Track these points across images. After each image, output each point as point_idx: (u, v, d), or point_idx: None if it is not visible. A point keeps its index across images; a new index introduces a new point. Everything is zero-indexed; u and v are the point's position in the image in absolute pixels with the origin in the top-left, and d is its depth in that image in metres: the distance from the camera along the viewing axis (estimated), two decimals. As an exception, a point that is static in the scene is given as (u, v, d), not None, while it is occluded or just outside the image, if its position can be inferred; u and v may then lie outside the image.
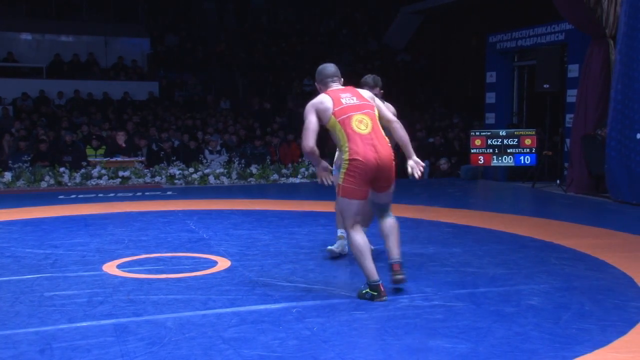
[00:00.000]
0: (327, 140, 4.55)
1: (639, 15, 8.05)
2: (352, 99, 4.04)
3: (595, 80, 9.26)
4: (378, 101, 4.31)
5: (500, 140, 10.98)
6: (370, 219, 4.77)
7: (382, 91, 4.97)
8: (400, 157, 4.27)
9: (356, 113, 3.96)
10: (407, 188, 9.94)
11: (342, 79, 4.29)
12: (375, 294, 3.78)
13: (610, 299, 3.88)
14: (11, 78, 15.14)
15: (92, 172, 10.64)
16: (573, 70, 10.15)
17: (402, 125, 4.19)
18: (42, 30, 17.16)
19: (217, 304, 3.76)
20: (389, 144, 4.00)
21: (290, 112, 15.36)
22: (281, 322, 3.45)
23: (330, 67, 4.31)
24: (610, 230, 6.29)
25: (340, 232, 5.01)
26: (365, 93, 4.19)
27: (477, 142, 11.10)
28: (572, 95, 10.07)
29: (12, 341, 3.15)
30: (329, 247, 5.03)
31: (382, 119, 4.13)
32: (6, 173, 10.28)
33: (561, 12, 9.50)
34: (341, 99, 4.03)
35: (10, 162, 10.82)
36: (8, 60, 15.95)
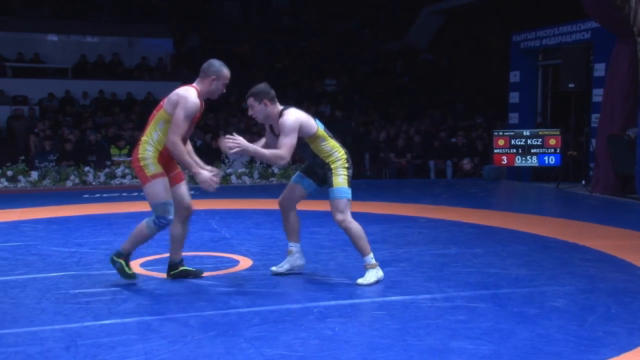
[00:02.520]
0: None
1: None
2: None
3: (622, 80, 9.12)
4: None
5: (524, 140, 10.87)
6: None
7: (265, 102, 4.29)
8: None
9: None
10: (429, 188, 9.90)
11: (208, 77, 4.28)
12: None
13: (637, 302, 3.82)
14: (37, 79, 15.38)
15: (116, 171, 10.76)
16: (599, 70, 10.01)
17: (283, 137, 4.08)
18: (67, 32, 17.40)
19: (239, 303, 3.78)
20: (141, 146, 4.11)
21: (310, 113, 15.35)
22: (302, 321, 3.45)
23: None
24: (636, 232, 6.19)
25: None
26: (169, 96, 4.19)
27: (501, 142, 11.00)
28: (598, 95, 9.93)
29: (39, 338, 3.20)
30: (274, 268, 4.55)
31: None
32: (32, 172, 10.45)
33: (587, 11, 9.37)
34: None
35: (36, 161, 10.99)
36: (34, 61, 16.20)
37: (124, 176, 10.72)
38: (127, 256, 4.22)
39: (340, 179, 4.19)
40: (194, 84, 4.23)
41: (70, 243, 5.63)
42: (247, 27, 19.64)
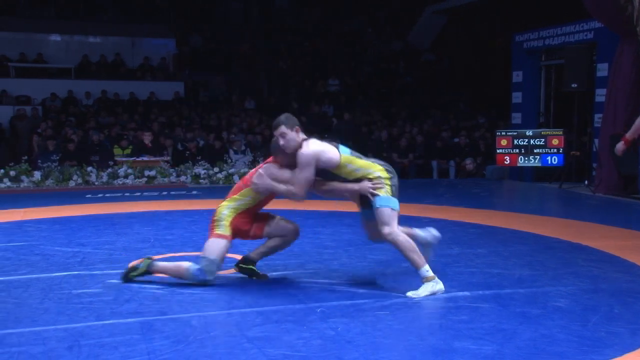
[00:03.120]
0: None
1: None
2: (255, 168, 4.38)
3: (626, 80, 9.11)
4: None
5: (526, 140, 10.86)
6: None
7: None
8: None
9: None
10: (431, 188, 9.90)
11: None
12: None
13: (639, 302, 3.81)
14: (40, 79, 15.42)
15: (119, 171, 10.78)
16: (602, 70, 10.00)
17: (299, 172, 4.02)
18: (70, 32, 17.44)
19: (242, 303, 3.78)
20: (220, 207, 4.29)
21: (313, 113, 15.37)
22: (305, 321, 3.45)
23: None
24: (639, 232, 6.18)
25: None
26: (257, 173, 4.22)
27: (503, 142, 11.00)
28: (601, 95, 9.92)
29: (42, 337, 3.21)
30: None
31: None
32: (35, 172, 10.47)
33: (590, 10, 9.36)
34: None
35: (39, 161, 11.01)
36: (37, 61, 16.24)
37: (126, 176, 10.74)
38: (149, 272, 4.26)
39: (382, 191, 3.99)
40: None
41: (73, 243, 5.64)
42: (250, 27, 19.64)
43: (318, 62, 18.29)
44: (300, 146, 4.00)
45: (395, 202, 4.02)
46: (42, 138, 12.27)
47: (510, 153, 10.95)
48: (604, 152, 9.28)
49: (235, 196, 4.26)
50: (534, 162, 10.86)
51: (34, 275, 4.47)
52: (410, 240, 4.03)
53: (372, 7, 21.19)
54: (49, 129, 12.73)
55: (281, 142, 4.01)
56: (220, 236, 4.15)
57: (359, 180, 4.04)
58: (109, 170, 10.80)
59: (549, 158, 10.73)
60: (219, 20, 19.62)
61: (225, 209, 4.22)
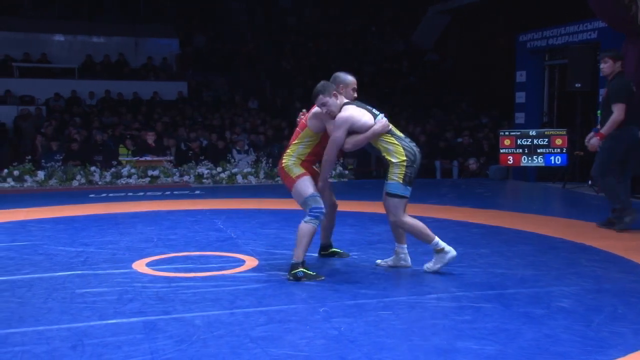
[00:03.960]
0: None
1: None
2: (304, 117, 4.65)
3: (629, 79, 9.07)
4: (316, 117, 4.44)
5: (530, 140, 10.84)
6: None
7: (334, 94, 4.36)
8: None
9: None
10: (435, 188, 9.89)
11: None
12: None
13: (643, 302, 3.80)
14: (44, 79, 15.46)
15: (122, 171, 10.80)
16: (606, 69, 9.97)
17: (331, 143, 4.31)
18: (74, 32, 17.48)
19: (245, 303, 3.79)
20: (285, 156, 4.48)
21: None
22: (308, 321, 3.45)
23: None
24: (643, 232, 6.16)
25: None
26: (312, 113, 4.47)
27: (507, 142, 10.98)
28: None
29: (45, 337, 3.21)
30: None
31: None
32: (39, 172, 10.49)
33: (594, 10, 9.34)
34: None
35: (42, 161, 11.04)
36: (41, 61, 16.28)
37: (130, 176, 10.75)
38: (303, 263, 4.34)
39: (395, 175, 4.29)
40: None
41: (76, 243, 5.65)
42: (253, 27, 19.66)
43: (321, 62, 18.29)
44: (341, 109, 4.31)
45: (405, 190, 4.29)
46: (45, 138, 12.30)
47: (513, 153, 10.93)
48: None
49: (295, 141, 4.49)
50: (537, 162, 10.84)
51: (38, 275, 4.48)
52: (415, 222, 4.36)
53: (375, 7, 21.20)
54: (53, 129, 12.75)
55: (323, 110, 4.30)
56: (298, 177, 4.37)
57: (386, 154, 4.33)
58: (112, 170, 10.82)
59: (552, 158, 10.71)
60: (222, 20, 19.65)
61: (292, 157, 4.44)
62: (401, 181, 4.27)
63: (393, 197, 4.29)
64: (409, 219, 4.36)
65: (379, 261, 4.74)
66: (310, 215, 4.31)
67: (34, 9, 17.82)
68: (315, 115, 4.41)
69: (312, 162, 4.50)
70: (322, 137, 4.46)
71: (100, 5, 18.76)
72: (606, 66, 6.18)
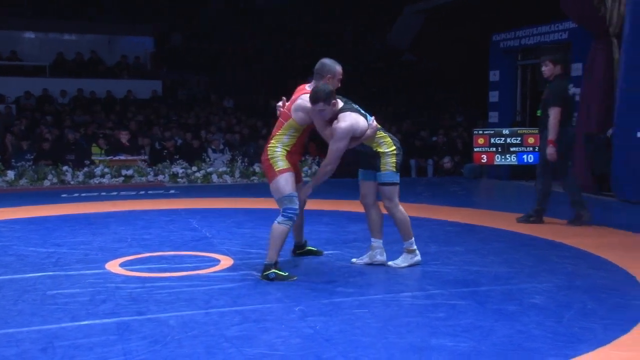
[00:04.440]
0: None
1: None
2: (286, 106, 4.55)
3: (599, 79, 9.24)
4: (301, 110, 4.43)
5: (503, 139, 10.95)
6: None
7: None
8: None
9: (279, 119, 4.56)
10: (410, 187, 9.94)
11: (320, 79, 4.49)
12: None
13: (612, 298, 3.87)
14: (14, 76, 15.18)
15: (95, 170, 10.66)
16: (576, 69, 10.12)
17: (334, 153, 4.35)
18: (45, 29, 17.21)
19: (220, 303, 3.77)
20: (270, 147, 4.43)
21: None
22: (284, 320, 3.45)
23: (317, 65, 4.59)
24: (612, 229, 6.29)
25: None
26: (295, 104, 4.43)
27: (480, 140, 11.09)
28: (575, 94, 10.03)
29: (15, 339, 3.16)
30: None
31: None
32: (9, 172, 10.31)
33: (565, 11, 9.48)
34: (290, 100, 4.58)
35: (13, 160, 10.85)
36: (11, 59, 15.99)
37: (103, 175, 10.63)
38: (275, 264, 4.32)
39: (388, 165, 4.47)
40: (307, 87, 4.52)
41: (48, 243, 5.57)
42: (230, 27, 19.56)
43: (298, 62, 18.26)
44: (336, 116, 4.37)
45: (397, 176, 4.52)
46: (15, 137, 12.08)
47: (487, 152, 11.04)
48: (578, 150, 9.40)
49: (279, 132, 4.45)
50: (510, 160, 10.96)
51: (7, 277, 4.40)
52: (404, 216, 4.58)
53: (353, 8, 21.23)
54: (23, 128, 12.54)
55: (315, 111, 4.33)
56: (282, 171, 4.35)
57: (375, 145, 4.46)
58: (85, 169, 10.68)
59: (525, 156, 10.84)
60: (198, 18, 19.51)
61: (277, 148, 4.40)
62: (394, 170, 4.48)
63: (389, 185, 4.50)
64: (401, 209, 4.57)
65: (354, 260, 4.80)
66: (283, 216, 4.32)
67: (4, 6, 17.48)
68: (303, 109, 4.38)
69: (298, 152, 4.52)
70: (305, 129, 4.48)
71: (72, 2, 18.47)
72: (547, 69, 6.44)
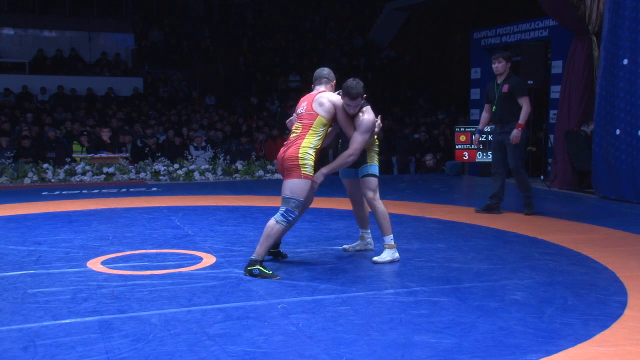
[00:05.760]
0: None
1: (621, 13, 8.13)
2: (302, 109, 4.53)
3: (578, 77, 9.34)
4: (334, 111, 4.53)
5: (485, 136, 11.02)
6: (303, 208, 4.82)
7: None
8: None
9: (297, 122, 4.53)
10: (392, 184, 9.98)
11: (328, 83, 4.70)
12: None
13: (592, 294, 3.92)
14: (-7, 73, 14.99)
15: (76, 168, 10.56)
16: (557, 67, 10.23)
17: (359, 143, 4.48)
18: (24, 25, 16.97)
19: (202, 300, 3.76)
20: (303, 148, 4.38)
21: (276, 109, 15.32)
22: (266, 318, 3.45)
23: (318, 71, 4.77)
24: (593, 225, 6.36)
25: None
26: (317, 102, 4.48)
27: (462, 138, 11.16)
28: (555, 92, 10.15)
29: (-5, 339, 3.12)
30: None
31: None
32: (-12, 169, 10.18)
33: (545, 9, 9.57)
34: (298, 108, 4.61)
35: (-8, 158, 10.71)
36: (-10, 56, 15.77)
37: (84, 173, 10.53)
38: (261, 261, 4.33)
39: (375, 160, 4.70)
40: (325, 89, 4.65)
41: (28, 241, 5.51)
42: (211, 23, 19.46)
43: (279, 58, 18.23)
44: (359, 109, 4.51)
45: (378, 170, 4.73)
46: (-5, 134, 11.93)
47: (469, 149, 11.12)
48: (559, 147, 9.51)
49: (309, 133, 4.41)
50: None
51: (-13, 275, 4.35)
52: (385, 209, 4.71)
53: (334, 3, 21.24)
54: (3, 125, 12.38)
55: (351, 111, 4.46)
56: (307, 177, 4.36)
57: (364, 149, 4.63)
58: (66, 167, 10.57)
59: (506, 154, 10.91)
60: (179, 15, 19.38)
61: (310, 149, 4.39)
62: (377, 164, 4.72)
63: (374, 177, 4.67)
64: (381, 203, 4.70)
65: (345, 246, 5.04)
66: (283, 216, 4.33)
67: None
68: (336, 106, 4.47)
69: (319, 153, 4.50)
70: (325, 132, 4.52)
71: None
72: (500, 65, 6.84)
